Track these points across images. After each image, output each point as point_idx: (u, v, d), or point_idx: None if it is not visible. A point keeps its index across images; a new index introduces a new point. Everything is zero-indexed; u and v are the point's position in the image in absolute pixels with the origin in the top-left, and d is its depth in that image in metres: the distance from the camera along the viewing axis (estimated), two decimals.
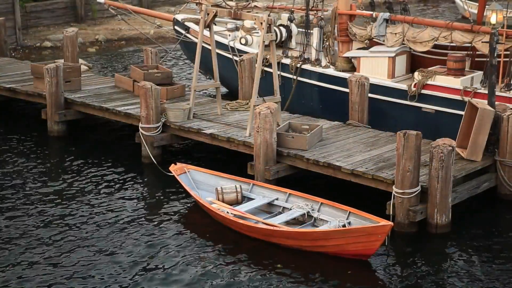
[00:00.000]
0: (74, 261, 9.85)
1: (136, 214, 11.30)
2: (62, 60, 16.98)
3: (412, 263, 9.85)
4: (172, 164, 12.02)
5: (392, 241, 9.88)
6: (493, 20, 11.40)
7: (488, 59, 12.65)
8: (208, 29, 13.49)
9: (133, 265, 9.74)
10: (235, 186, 11.20)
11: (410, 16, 14.69)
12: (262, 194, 11.23)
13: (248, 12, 15.10)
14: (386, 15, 14.42)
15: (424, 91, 13.37)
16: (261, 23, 12.25)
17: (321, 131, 12.41)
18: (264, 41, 12.37)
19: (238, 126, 13.00)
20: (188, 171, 11.77)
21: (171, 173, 11.97)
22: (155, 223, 10.98)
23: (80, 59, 18.37)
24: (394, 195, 10.50)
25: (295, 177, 12.06)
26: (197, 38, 16.71)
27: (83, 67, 17.73)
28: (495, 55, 11.56)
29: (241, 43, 16.14)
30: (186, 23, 17.37)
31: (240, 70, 14.46)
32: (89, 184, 12.52)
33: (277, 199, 11.10)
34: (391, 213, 10.50)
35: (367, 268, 9.74)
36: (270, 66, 14.19)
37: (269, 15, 12.71)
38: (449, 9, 33.05)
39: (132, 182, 12.59)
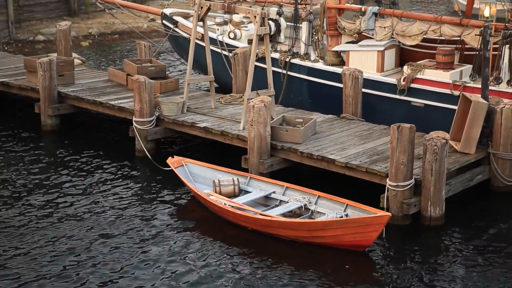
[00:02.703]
0: (70, 254, 9.39)
1: (131, 207, 10.84)
2: (55, 54, 16.34)
3: (406, 255, 9.47)
4: (170, 157, 11.57)
5: (386, 233, 9.49)
6: (486, 13, 10.86)
7: (477, 53, 12.21)
8: (201, 22, 12.92)
9: (129, 257, 9.32)
10: (232, 179, 10.79)
11: (399, 10, 14.13)
12: (259, 187, 10.82)
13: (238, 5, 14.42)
14: (375, 9, 13.89)
15: (413, 85, 12.86)
16: (255, 17, 11.67)
17: (315, 125, 11.95)
18: (258, 35, 11.81)
19: (232, 119, 12.50)
20: (186, 164, 11.34)
21: (165, 167, 11.50)
22: (151, 216, 10.54)
23: (73, 53, 17.69)
24: (388, 188, 10.10)
25: (290, 171, 11.58)
26: (185, 32, 16.17)
27: (77, 61, 17.16)
28: (488, 48, 11.00)
29: (229, 37, 15.54)
30: (174, 17, 16.70)
31: (234, 64, 13.91)
32: (83, 178, 11.98)
33: (274, 192, 10.69)
34: (385, 206, 10.10)
35: (362, 260, 9.37)
36: (259, 60, 13.57)
37: (262, 9, 12.10)
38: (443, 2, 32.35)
39: (126, 176, 12.08)
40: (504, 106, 10.89)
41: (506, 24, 12.16)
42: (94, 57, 21.24)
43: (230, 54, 14.74)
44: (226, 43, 15.32)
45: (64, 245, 9.62)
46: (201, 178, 11.19)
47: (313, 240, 9.54)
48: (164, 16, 17.03)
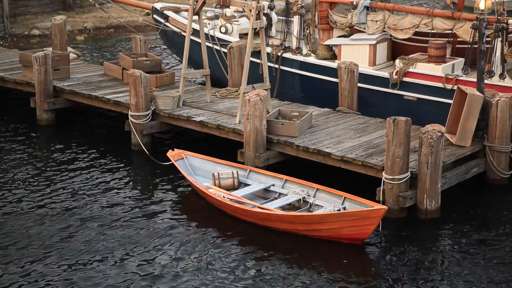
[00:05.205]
0: (66, 248, 8.96)
1: (128, 200, 10.40)
2: (51, 48, 15.70)
3: (402, 248, 9.11)
4: (170, 150, 11.13)
5: (382, 227, 9.16)
6: (481, 6, 10.36)
7: (469, 46, 11.72)
8: (196, 16, 12.41)
9: (127, 250, 8.93)
10: (232, 172, 10.39)
11: (390, 3, 13.58)
12: (258, 180, 10.42)
13: None
14: (367, 2, 13.33)
15: (405, 79, 12.37)
16: (250, 10, 11.17)
17: (311, 118, 11.50)
18: (254, 28, 11.35)
19: (228, 113, 12.00)
20: (186, 157, 10.91)
21: (161, 160, 11.12)
22: (148, 209, 10.14)
23: (68, 47, 17.04)
24: (384, 181, 9.70)
25: (287, 164, 11.14)
26: (176, 26, 15.55)
27: (72, 55, 16.57)
28: (484, 41, 10.53)
29: (221, 32, 14.93)
30: (165, 12, 16.06)
31: (230, 58, 13.37)
32: (80, 172, 11.49)
33: (273, 185, 10.29)
34: (381, 199, 9.72)
35: (358, 253, 9.02)
36: (252, 55, 13.01)
37: (258, 2, 11.54)
38: None
39: (123, 170, 11.61)
40: (500, 99, 10.49)
41: (498, 17, 11.67)
42: (90, 51, 20.59)
43: (222, 49, 14.18)
44: (218, 38, 14.75)
45: (60, 239, 9.18)
46: (201, 170, 10.79)
47: (310, 233, 9.21)
48: (154, 11, 16.39)
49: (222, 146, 11.92)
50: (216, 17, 15.36)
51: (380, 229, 9.09)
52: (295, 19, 13.91)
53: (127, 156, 12.12)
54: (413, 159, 9.86)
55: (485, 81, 11.46)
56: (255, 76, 12.44)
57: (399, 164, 9.55)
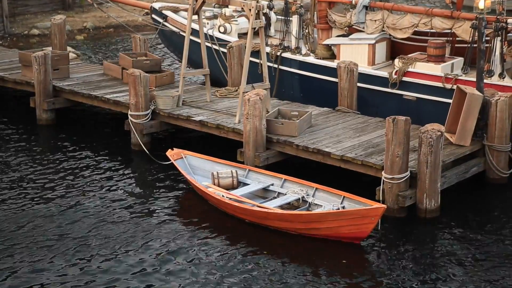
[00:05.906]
0: (65, 249, 8.91)
1: (128, 200, 10.38)
2: (50, 48, 15.62)
3: (402, 248, 9.07)
4: (169, 149, 11.08)
5: (382, 226, 9.10)
6: (481, 5, 10.31)
7: (468, 45, 11.67)
8: (196, 15, 12.37)
9: (127, 250, 8.89)
10: (231, 171, 10.35)
11: (389, 3, 13.53)
12: (257, 180, 10.37)
13: None
14: (366, 1, 13.27)
15: (405, 78, 12.31)
16: (250, 10, 11.12)
17: (311, 117, 11.45)
18: (253, 28, 11.29)
19: (228, 113, 11.95)
20: (185, 157, 10.87)
21: (161, 160, 11.07)
22: (148, 208, 10.11)
23: (68, 47, 16.95)
24: (383, 180, 9.66)
25: (287, 164, 11.09)
26: (174, 26, 15.50)
27: (72, 55, 16.51)
28: (483, 40, 10.48)
29: (219, 31, 14.87)
30: (163, 12, 15.98)
31: (229, 57, 13.31)
32: (80, 172, 11.43)
33: (272, 184, 10.25)
34: (380, 198, 9.68)
35: (357, 252, 8.98)
36: (252, 54, 12.97)
37: (257, 1, 11.48)
38: None
39: (123, 170, 11.55)
40: (499, 98, 10.45)
41: (498, 17, 11.63)
42: (89, 51, 20.54)
43: (220, 48, 14.11)
44: (216, 37, 14.69)
45: (59, 240, 9.14)
46: (200, 170, 10.75)
47: (309, 232, 9.18)
48: (153, 10, 16.31)
49: (222, 146, 11.87)
50: (215, 16, 15.30)
51: (379, 228, 9.04)
52: (294, 19, 13.84)
53: (126, 155, 12.07)
54: (412, 159, 9.82)
55: (485, 81, 11.40)
56: (254, 76, 12.39)
57: (398, 163, 9.52)
